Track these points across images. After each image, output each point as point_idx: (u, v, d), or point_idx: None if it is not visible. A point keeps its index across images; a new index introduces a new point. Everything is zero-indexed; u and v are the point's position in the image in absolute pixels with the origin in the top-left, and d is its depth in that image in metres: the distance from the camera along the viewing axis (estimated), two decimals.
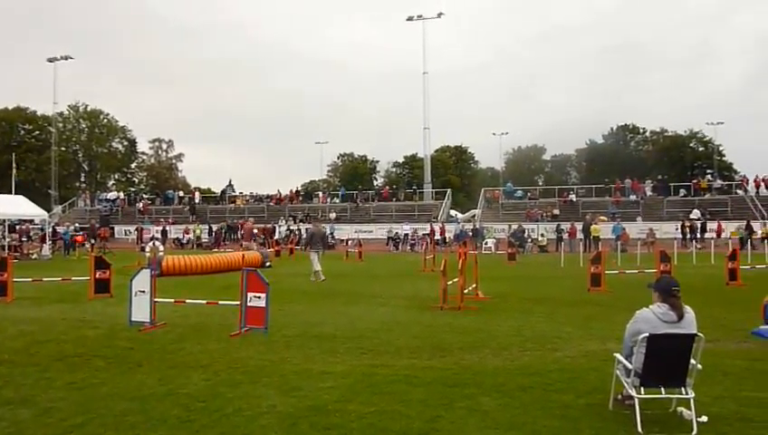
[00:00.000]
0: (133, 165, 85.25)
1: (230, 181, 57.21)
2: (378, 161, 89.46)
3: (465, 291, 11.97)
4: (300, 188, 60.50)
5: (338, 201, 51.51)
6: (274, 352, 7.48)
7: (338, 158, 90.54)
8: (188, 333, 8.70)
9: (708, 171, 66.44)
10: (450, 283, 11.49)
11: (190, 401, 5.42)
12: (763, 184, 43.87)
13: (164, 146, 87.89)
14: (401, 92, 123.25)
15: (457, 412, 5.06)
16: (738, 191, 44.84)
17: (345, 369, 6.61)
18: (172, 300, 10.26)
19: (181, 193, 57.89)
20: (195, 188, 64.84)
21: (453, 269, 11.84)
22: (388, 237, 38.30)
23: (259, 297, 8.59)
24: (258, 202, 52.36)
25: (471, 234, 36.48)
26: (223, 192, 56.05)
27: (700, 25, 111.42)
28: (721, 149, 73.80)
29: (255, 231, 29.63)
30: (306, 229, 19.65)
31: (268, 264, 21.59)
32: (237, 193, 55.64)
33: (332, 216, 46.49)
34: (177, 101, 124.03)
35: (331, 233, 39.45)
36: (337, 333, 8.80)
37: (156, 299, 9.30)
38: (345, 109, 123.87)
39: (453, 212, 49.87)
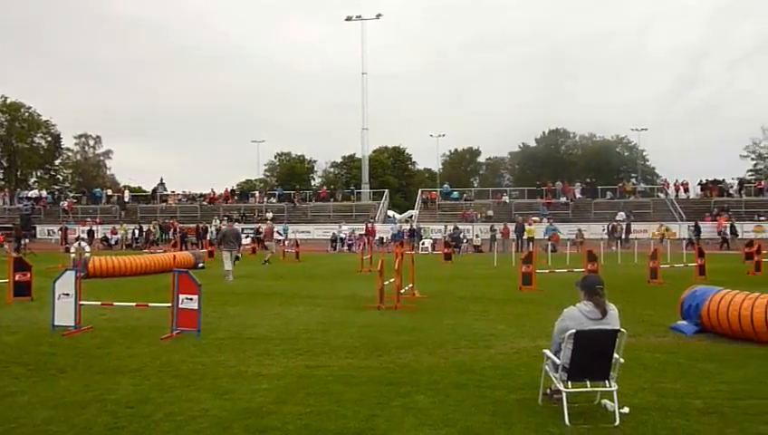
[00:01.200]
0: (57, 161, 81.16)
1: (162, 180, 55.63)
2: (316, 161, 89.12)
3: (402, 291, 12.09)
4: (235, 188, 59.37)
5: (275, 201, 50.89)
6: (207, 354, 7.32)
7: (275, 157, 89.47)
8: (116, 337, 8.38)
9: (633, 175, 69.82)
10: (387, 283, 11.56)
11: (118, 407, 5.23)
12: (682, 188, 46.40)
13: (91, 142, 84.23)
14: (340, 93, 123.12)
15: (393, 411, 5.11)
16: (660, 194, 47.23)
17: (280, 371, 6.54)
18: (99, 303, 9.86)
19: (110, 192, 55.64)
20: (124, 187, 62.59)
21: (390, 269, 11.93)
22: (332, 239, 38.01)
23: (191, 299, 8.37)
24: (191, 201, 51.06)
25: (408, 234, 36.84)
26: (154, 191, 54.33)
27: (626, 35, 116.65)
28: (645, 154, 77.65)
29: (276, 231, 30.45)
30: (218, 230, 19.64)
31: (201, 265, 21.08)
32: (169, 192, 54.08)
33: (269, 215, 45.84)
34: (107, 97, 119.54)
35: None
36: (272, 334, 8.69)
37: (81, 302, 8.92)
38: (283, 108, 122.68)
39: (390, 213, 50.27)
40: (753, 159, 72.64)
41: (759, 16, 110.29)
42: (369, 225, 40.03)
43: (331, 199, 50.35)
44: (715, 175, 53.03)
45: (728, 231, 35.14)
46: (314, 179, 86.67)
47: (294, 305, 11.77)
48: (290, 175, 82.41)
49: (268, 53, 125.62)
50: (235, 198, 52.49)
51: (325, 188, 57.84)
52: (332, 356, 7.27)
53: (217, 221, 44.05)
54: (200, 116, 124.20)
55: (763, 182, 49.20)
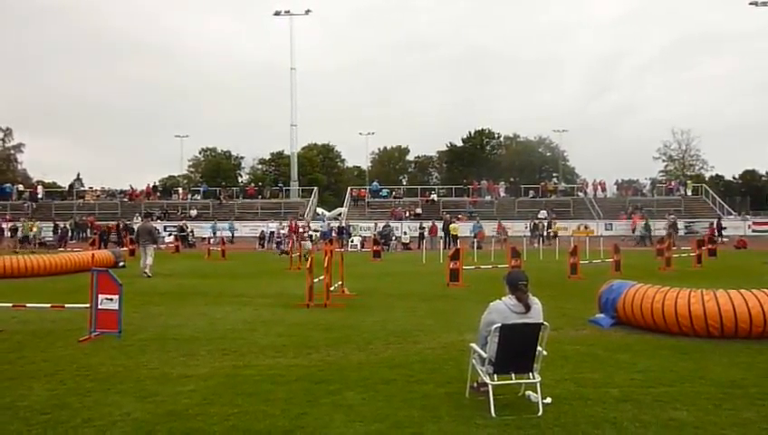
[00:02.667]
0: None
1: (78, 175, 53.25)
2: (243, 157, 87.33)
3: (332, 288, 12.05)
4: (157, 184, 57.34)
5: (199, 198, 49.53)
6: (129, 356, 7.03)
7: (200, 153, 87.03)
8: (29, 340, 7.92)
9: (554, 175, 72.53)
10: (316, 280, 11.50)
11: (31, 414, 4.94)
12: (599, 187, 48.68)
13: (0, 135, 79.02)
14: (269, 88, 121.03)
15: (323, 408, 5.08)
16: (579, 194, 49.33)
17: (206, 371, 6.37)
18: (10, 304, 9.27)
19: (21, 187, 52.40)
20: (37, 182, 59.14)
21: (319, 267, 11.86)
22: (260, 236, 37.29)
23: (111, 299, 8.01)
24: (111, 198, 48.94)
25: (337, 232, 36.76)
26: (71, 187, 51.72)
27: (549, 38, 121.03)
28: (565, 154, 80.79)
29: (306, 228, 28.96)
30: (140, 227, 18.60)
31: (122, 264, 20.23)
32: (87, 188, 51.59)
33: (193, 213, 44.61)
34: (17, 87, 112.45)
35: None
36: (198, 334, 8.46)
37: None
38: (208, 102, 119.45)
39: (319, 210, 49.98)
40: (663, 160, 77.20)
41: (668, 24, 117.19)
42: (294, 223, 39.44)
43: (259, 197, 49.52)
44: (630, 175, 56.01)
45: (644, 229, 36.93)
46: (241, 176, 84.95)
47: (221, 305, 11.50)
48: (215, 171, 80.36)
49: (193, 45, 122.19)
50: (158, 194, 50.76)
51: (253, 185, 56.80)
52: (260, 355, 7.16)
53: (138, 218, 42.46)
54: (120, 109, 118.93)
55: (672, 182, 52.37)
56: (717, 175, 77.11)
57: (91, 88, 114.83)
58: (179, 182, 69.10)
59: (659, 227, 37.14)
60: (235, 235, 40.19)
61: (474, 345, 5.26)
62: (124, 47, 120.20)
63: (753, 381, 5.89)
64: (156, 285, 15.16)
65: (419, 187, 55.15)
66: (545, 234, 37.05)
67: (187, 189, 54.01)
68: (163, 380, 6.03)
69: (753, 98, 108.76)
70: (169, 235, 38.19)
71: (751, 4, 44.45)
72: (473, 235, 33.63)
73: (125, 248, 26.86)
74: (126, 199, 48.24)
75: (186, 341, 8.01)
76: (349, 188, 51.51)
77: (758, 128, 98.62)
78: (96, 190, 51.08)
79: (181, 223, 40.41)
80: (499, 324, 4.82)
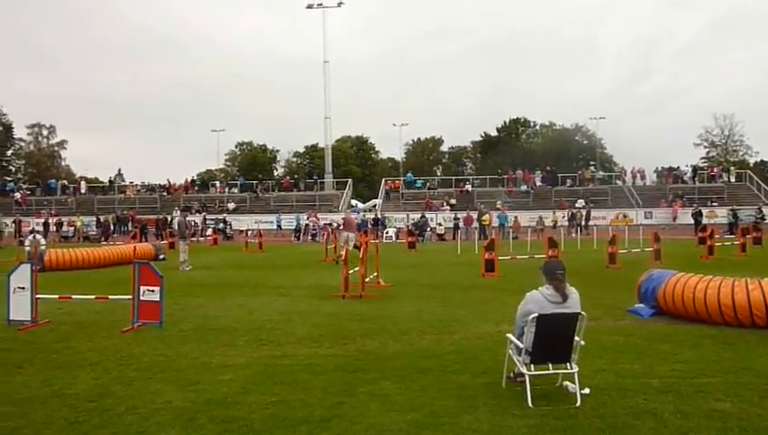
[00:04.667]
0: (9, 152, 78.23)
1: (119, 170, 54.54)
2: (278, 151, 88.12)
3: (367, 279, 12.10)
4: (195, 178, 58.38)
5: (236, 191, 50.26)
6: (170, 346, 7.21)
7: (236, 146, 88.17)
8: (75, 331, 8.18)
9: (591, 163, 71.20)
10: (352, 271, 11.56)
11: (78, 401, 5.12)
12: (638, 175, 47.62)
13: (44, 132, 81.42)
14: (302, 81, 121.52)
15: (359, 397, 5.13)
16: (617, 182, 48.36)
17: (245, 361, 6.49)
18: (56, 296, 9.59)
19: (65, 182, 54.04)
20: (80, 178, 60.88)
21: (354, 258, 11.92)
22: (295, 229, 37.56)
23: (152, 291, 8.22)
24: (150, 192, 50.05)
25: (372, 223, 36.88)
26: (111, 182, 53.04)
27: (583, 24, 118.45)
28: (602, 142, 79.19)
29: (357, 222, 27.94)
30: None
31: (162, 256, 20.71)
32: (127, 183, 52.88)
33: (231, 206, 45.30)
34: (61, 86, 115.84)
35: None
36: (236, 325, 8.61)
37: (38, 295, 8.66)
38: (243, 97, 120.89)
39: (354, 202, 50.19)
40: (705, 146, 75.00)
41: (710, 8, 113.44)
42: (314, 216, 39.39)
43: (294, 189, 49.99)
44: (670, 162, 54.59)
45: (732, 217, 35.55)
46: (277, 169, 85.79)
47: (258, 296, 11.68)
48: (251, 165, 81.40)
49: (227, 40, 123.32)
50: (196, 188, 51.68)
51: (288, 177, 57.36)
52: (297, 345, 7.25)
53: (177, 212, 43.35)
54: (158, 105, 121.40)
55: (715, 169, 50.86)
56: (762, 161, 74.46)
57: (129, 86, 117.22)
58: (216, 176, 70.17)
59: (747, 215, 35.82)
60: (272, 227, 40.65)
61: (510, 335, 5.23)
62: (160, 45, 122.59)
63: None
64: (195, 277, 15.48)
65: (454, 177, 54.84)
66: (582, 223, 36.42)
67: (225, 183, 54.80)
68: (203, 369, 6.16)
69: None
70: (209, 228, 38.90)
71: None
72: (500, 225, 33.59)
73: (165, 241, 27.47)
74: (165, 193, 49.26)
75: (224, 331, 8.17)
76: (383, 180, 51.57)
77: None
78: (136, 185, 52.30)
79: (222, 216, 41.19)
80: (536, 314, 4.78)
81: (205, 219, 41.39)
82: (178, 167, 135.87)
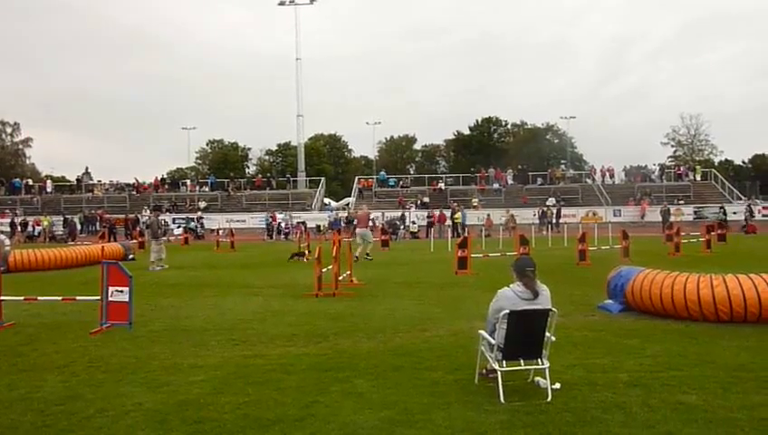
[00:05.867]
0: None
1: (87, 169, 53.17)
2: (250, 149, 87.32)
3: (340, 278, 12.09)
4: (165, 177, 57.56)
5: (207, 190, 49.70)
6: (140, 347, 7.10)
7: (207, 144, 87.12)
8: (41, 333, 8.00)
9: (562, 162, 72.17)
10: (325, 270, 11.54)
11: (45, 405, 5.01)
12: (608, 174, 48.44)
13: (8, 130, 79.34)
14: (275, 79, 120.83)
15: (333, 396, 5.12)
16: (587, 180, 49.11)
17: (217, 361, 6.43)
18: (21, 298, 9.36)
19: (30, 181, 52.74)
20: (46, 176, 59.52)
21: (327, 256, 11.90)
22: (268, 227, 37.30)
23: (121, 291, 8.08)
24: (119, 191, 49.21)
25: (346, 222, 36.82)
26: (79, 181, 51.94)
27: (555, 25, 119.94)
28: (573, 141, 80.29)
29: (371, 217, 27.10)
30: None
31: (131, 256, 20.39)
32: (95, 182, 51.85)
33: (202, 205, 44.77)
34: (24, 82, 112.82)
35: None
36: (207, 325, 8.52)
37: (2, 297, 8.45)
38: (214, 94, 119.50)
39: (327, 200, 50.08)
40: (672, 146, 76.63)
41: (678, 7, 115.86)
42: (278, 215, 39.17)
43: (267, 188, 49.63)
44: (638, 161, 55.64)
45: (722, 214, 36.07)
46: (249, 168, 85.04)
47: (230, 295, 11.58)
48: (223, 163, 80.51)
49: (198, 37, 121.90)
50: (166, 187, 50.95)
51: (260, 176, 56.91)
52: (270, 345, 7.21)
53: (148, 211, 42.69)
54: (126, 103, 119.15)
55: (681, 168, 52.00)
56: (727, 160, 76.46)
57: (97, 82, 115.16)
58: (187, 175, 69.30)
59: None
60: (244, 226, 40.31)
61: (482, 332, 5.28)
62: (129, 40, 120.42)
63: (762, 365, 5.88)
64: (166, 277, 15.27)
65: (427, 175, 55.07)
66: (553, 221, 36.91)
67: (195, 182, 54.14)
68: (174, 370, 6.09)
69: (763, 81, 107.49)
70: (178, 227, 38.41)
71: None
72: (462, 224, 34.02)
73: (134, 241, 27.05)
74: (134, 193, 48.47)
75: (196, 331, 8.08)
76: (356, 178, 51.53)
77: (766, 111, 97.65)
78: (104, 184, 51.37)
79: (196, 214, 40.77)
80: (507, 311, 4.83)
81: (174, 219, 40.80)
82: (148, 165, 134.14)
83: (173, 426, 4.49)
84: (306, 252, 20.12)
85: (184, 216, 41.68)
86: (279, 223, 37.20)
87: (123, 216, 40.11)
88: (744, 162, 79.99)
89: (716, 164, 67.04)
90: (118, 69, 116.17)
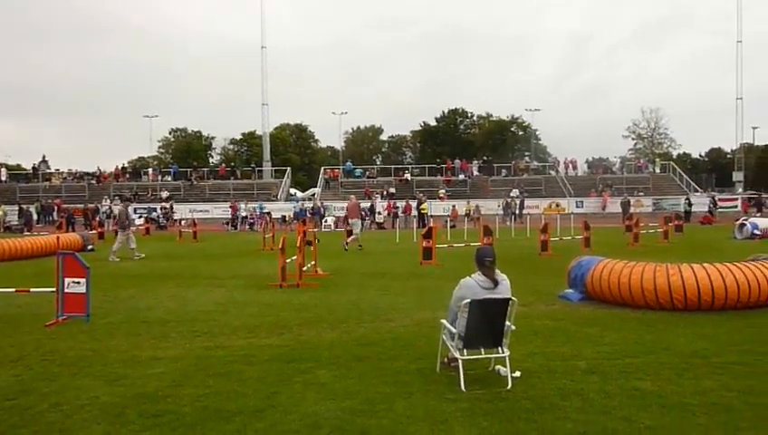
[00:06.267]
0: None
1: (44, 157, 51.54)
2: (214, 138, 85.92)
3: (304, 268, 12.02)
4: (126, 165, 56.30)
5: (170, 179, 48.80)
6: (97, 340, 6.94)
7: (170, 133, 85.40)
8: None
9: (526, 154, 73.02)
10: (289, 260, 11.45)
11: None
12: (570, 166, 49.26)
13: None
14: (240, 67, 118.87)
15: (295, 387, 5.09)
16: (551, 172, 49.86)
17: (177, 353, 6.32)
18: None
19: None
20: (1, 165, 57.55)
21: (292, 247, 11.81)
22: (232, 217, 36.81)
23: (78, 283, 7.88)
24: (78, 180, 47.93)
25: (311, 212, 36.63)
26: (35, 169, 50.37)
27: (521, 19, 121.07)
28: (537, 133, 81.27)
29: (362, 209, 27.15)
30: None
31: (90, 247, 19.89)
32: (53, 170, 50.39)
33: (164, 194, 43.95)
34: None
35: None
36: (168, 317, 8.38)
37: None
38: (178, 82, 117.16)
39: (293, 190, 49.70)
40: (633, 139, 78.25)
41: (641, 5, 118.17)
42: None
43: (231, 178, 48.99)
44: (601, 154, 56.71)
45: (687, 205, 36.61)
46: (213, 157, 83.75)
47: (193, 287, 11.40)
48: (186, 152, 79.00)
49: (161, 23, 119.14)
50: (127, 176, 49.86)
51: (224, 165, 56.12)
52: (232, 336, 7.13)
53: (108, 201, 41.72)
54: (86, 89, 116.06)
55: (641, 160, 53.21)
56: (685, 153, 78.51)
57: (55, 68, 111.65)
58: (149, 163, 67.87)
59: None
60: (208, 216, 39.75)
61: (444, 321, 5.31)
62: (90, 25, 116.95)
63: (715, 351, 6.07)
64: (126, 268, 14.96)
65: (393, 166, 55.12)
66: (517, 212, 37.40)
67: (158, 171, 53.07)
68: (132, 363, 5.97)
69: (719, 78, 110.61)
70: (140, 217, 37.66)
71: None
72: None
73: (94, 232, 26.40)
74: (94, 182, 47.29)
75: (156, 323, 7.94)
76: (322, 169, 51.26)
77: (723, 106, 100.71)
78: (63, 173, 49.98)
79: (167, 205, 40.01)
80: (468, 300, 4.87)
81: (135, 209, 39.94)
82: (109, 154, 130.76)
83: (130, 419, 4.41)
84: (313, 239, 20.26)
85: (146, 205, 40.87)
86: (239, 213, 36.72)
87: (82, 205, 39.07)
88: (700, 155, 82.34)
89: (675, 157, 68.73)
90: (78, 54, 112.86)
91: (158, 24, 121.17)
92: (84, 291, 7.91)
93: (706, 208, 36.52)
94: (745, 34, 53.91)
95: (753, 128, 66.43)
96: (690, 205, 35.70)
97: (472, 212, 35.11)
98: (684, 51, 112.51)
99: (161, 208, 39.50)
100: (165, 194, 43.94)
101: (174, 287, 11.32)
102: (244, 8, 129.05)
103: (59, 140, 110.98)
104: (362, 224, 21.39)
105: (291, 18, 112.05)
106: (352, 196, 26.14)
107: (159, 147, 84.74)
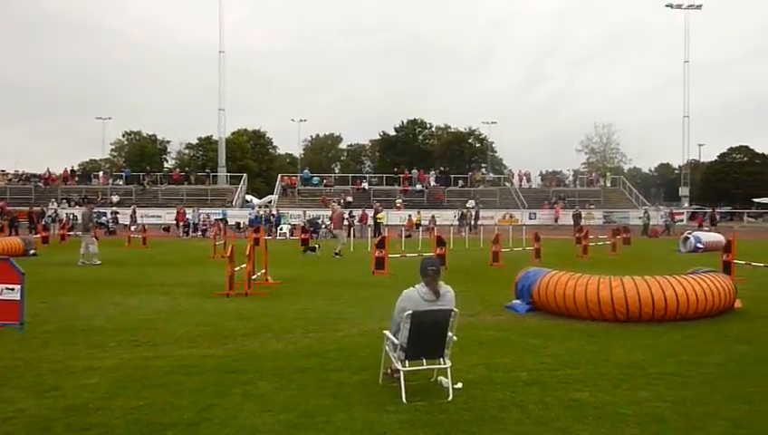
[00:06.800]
0: None
1: None
2: (169, 142, 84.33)
3: (254, 277, 11.84)
4: (76, 168, 54.62)
5: (121, 183, 47.58)
6: (30, 350, 6.65)
7: (123, 136, 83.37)
8: None
9: (483, 165, 74.11)
10: (238, 268, 11.26)
11: None
12: (525, 178, 50.19)
13: None
14: (197, 70, 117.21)
15: (233, 399, 4.98)
16: (506, 184, 50.69)
17: (114, 363, 6.11)
18: None
19: None
20: None
21: (241, 255, 11.62)
22: (183, 224, 36.01)
23: (12, 289, 7.54)
24: (24, 182, 46.25)
25: (266, 219, 36.20)
26: None
27: (482, 31, 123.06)
28: (494, 145, 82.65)
29: (346, 217, 27.36)
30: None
31: (32, 252, 19.17)
32: None
33: (115, 198, 42.81)
34: None
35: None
36: (109, 325, 8.11)
37: None
38: (132, 84, 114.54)
39: (249, 197, 49.06)
40: (586, 153, 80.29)
41: (596, 23, 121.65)
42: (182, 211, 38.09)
43: (185, 183, 48.08)
44: (554, 167, 58.06)
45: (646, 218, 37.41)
46: (167, 161, 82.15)
47: (138, 294, 11.08)
48: (140, 156, 77.34)
49: (117, 23, 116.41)
50: (76, 179, 48.35)
51: (178, 170, 55.05)
52: (173, 346, 6.94)
53: (55, 204, 40.36)
54: (37, 90, 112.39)
55: (593, 174, 54.62)
56: (635, 167, 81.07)
57: (3, 68, 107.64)
58: (101, 166, 66.03)
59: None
60: (158, 222, 38.83)
61: (387, 332, 5.28)
62: (40, 25, 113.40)
63: (652, 362, 6.22)
64: (68, 274, 14.44)
65: (351, 175, 55.10)
66: (472, 223, 37.81)
67: (109, 174, 51.66)
68: (65, 373, 5.74)
69: (669, 95, 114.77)
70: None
71: (667, 6, 47.03)
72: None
73: (38, 236, 25.48)
74: (41, 184, 45.70)
75: (95, 332, 7.68)
76: (279, 176, 50.84)
77: (673, 123, 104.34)
78: (7, 174, 48.17)
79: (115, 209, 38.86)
80: (410, 311, 4.86)
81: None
82: (59, 156, 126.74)
83: (56, 433, 4.25)
84: (317, 246, 21.24)
85: (95, 210, 39.65)
86: (188, 219, 35.97)
87: (27, 208, 37.67)
88: (650, 170, 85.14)
89: (626, 171, 70.82)
90: (28, 55, 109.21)
91: (113, 23, 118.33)
92: (18, 298, 7.57)
93: (663, 222, 37.55)
94: (692, 55, 56.02)
95: (699, 145, 69.19)
96: (649, 218, 36.77)
97: (428, 223, 35.31)
98: (636, 68, 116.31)
99: (111, 213, 38.40)
100: (115, 198, 42.79)
101: (118, 294, 10.98)
102: (203, 12, 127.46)
103: (4, 140, 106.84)
104: (346, 234, 21.98)
105: (252, 23, 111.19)
106: (335, 204, 26.19)
107: (112, 150, 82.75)
